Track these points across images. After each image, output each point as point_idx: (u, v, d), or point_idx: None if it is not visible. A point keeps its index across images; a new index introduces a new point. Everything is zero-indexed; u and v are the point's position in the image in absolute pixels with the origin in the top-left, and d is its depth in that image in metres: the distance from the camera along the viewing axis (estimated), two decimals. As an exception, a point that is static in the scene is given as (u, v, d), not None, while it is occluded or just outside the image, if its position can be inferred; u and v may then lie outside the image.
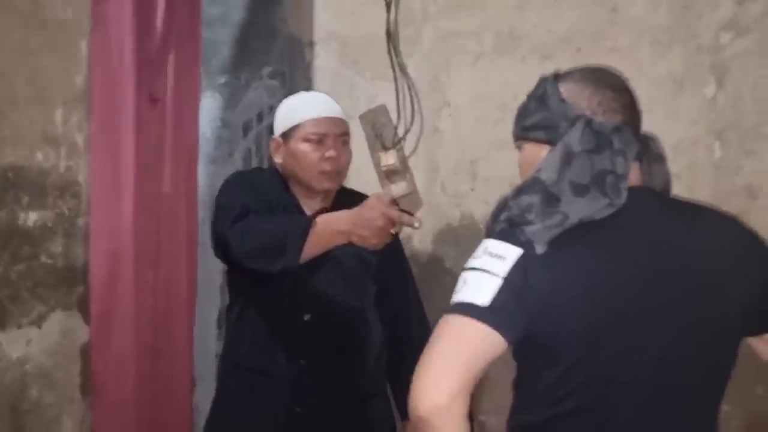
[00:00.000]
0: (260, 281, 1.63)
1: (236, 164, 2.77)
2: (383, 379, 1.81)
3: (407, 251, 1.95)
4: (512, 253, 0.99)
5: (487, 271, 0.99)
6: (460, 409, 0.97)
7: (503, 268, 0.98)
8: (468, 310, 0.98)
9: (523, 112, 1.14)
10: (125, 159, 1.84)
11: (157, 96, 1.92)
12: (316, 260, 1.63)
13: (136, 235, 1.85)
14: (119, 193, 1.85)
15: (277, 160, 1.74)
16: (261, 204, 1.66)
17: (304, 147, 1.67)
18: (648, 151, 1.08)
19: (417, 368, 1.00)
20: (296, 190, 1.74)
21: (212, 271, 2.32)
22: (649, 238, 1.03)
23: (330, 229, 1.51)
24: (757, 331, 1.08)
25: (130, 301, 1.84)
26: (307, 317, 1.67)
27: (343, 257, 1.68)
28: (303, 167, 1.68)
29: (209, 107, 2.51)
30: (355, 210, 1.51)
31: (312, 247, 1.52)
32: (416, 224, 1.48)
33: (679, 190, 1.29)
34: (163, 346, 1.98)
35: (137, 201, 1.86)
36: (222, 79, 2.75)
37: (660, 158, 1.10)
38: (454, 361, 0.98)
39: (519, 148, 1.15)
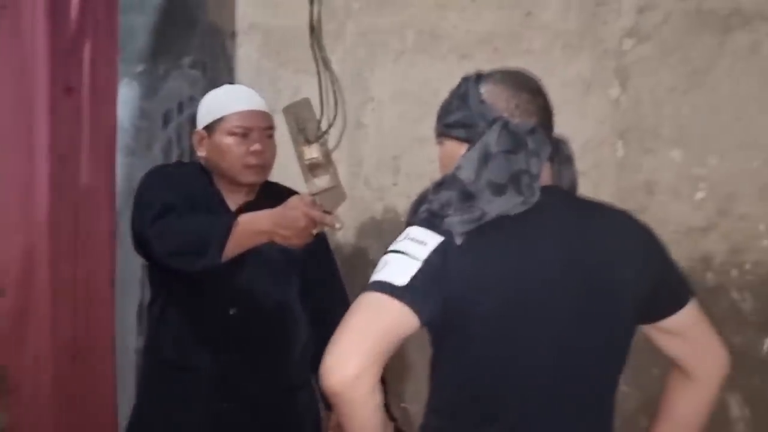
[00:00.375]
0: (183, 277, 1.62)
1: (155, 155, 2.71)
2: (308, 371, 1.84)
3: (331, 244, 1.98)
4: (433, 239, 1.04)
5: (408, 254, 1.03)
6: (368, 383, 1.01)
7: (424, 252, 1.03)
8: (385, 288, 1.02)
9: (445, 110, 1.20)
10: (39, 151, 1.78)
11: (73, 86, 1.86)
12: (241, 255, 1.65)
13: (51, 229, 1.80)
14: (33, 186, 1.79)
15: (201, 153, 1.72)
16: (182, 200, 1.64)
17: (229, 140, 1.66)
18: (558, 152, 1.16)
19: (331, 341, 1.03)
20: (220, 183, 1.74)
21: (131, 265, 2.27)
22: (555, 233, 1.10)
23: (252, 228, 1.52)
24: (650, 320, 1.17)
25: (47, 299, 1.78)
26: (232, 311, 1.67)
27: (268, 251, 1.69)
28: (228, 161, 1.67)
29: (126, 96, 2.44)
30: (277, 210, 1.52)
31: (234, 247, 1.52)
32: (338, 225, 1.50)
33: (585, 186, 1.38)
34: (83, 344, 1.92)
35: (52, 194, 1.81)
36: (139, 68, 2.67)
37: (569, 160, 1.18)
38: (366, 336, 1.02)
39: (440, 144, 1.21)
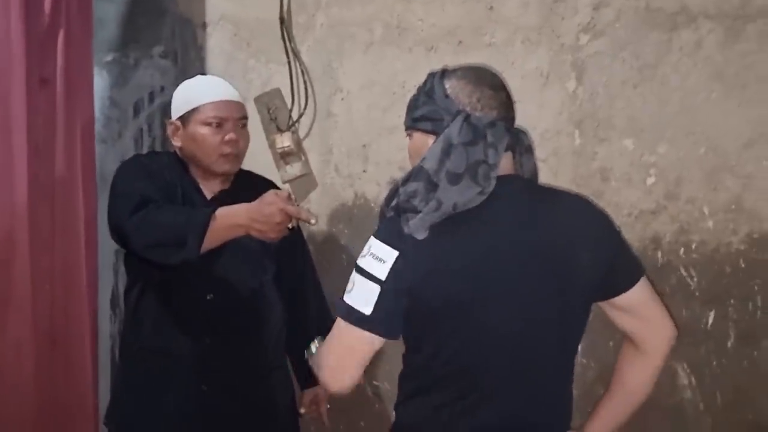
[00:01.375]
0: (161, 266, 1.64)
1: (126, 144, 2.72)
2: (283, 354, 1.89)
3: (303, 230, 2.02)
4: (391, 255, 1.13)
5: (371, 276, 1.14)
6: (357, 381, 1.22)
7: (383, 271, 1.13)
8: (354, 319, 1.15)
9: (413, 105, 1.26)
10: (17, 142, 1.80)
11: (48, 77, 1.88)
12: (220, 248, 1.66)
13: (30, 219, 1.82)
14: (11, 177, 1.81)
15: (176, 143, 1.74)
16: (159, 190, 1.66)
17: (204, 130, 1.69)
18: (520, 143, 1.23)
19: (320, 359, 1.21)
20: (196, 172, 1.76)
21: (103, 252, 2.29)
22: (516, 218, 1.18)
23: (229, 222, 1.55)
24: (604, 297, 1.26)
25: (27, 287, 1.81)
26: (210, 297, 1.71)
27: (244, 239, 1.73)
28: (202, 150, 1.70)
29: (96, 86, 2.44)
30: (254, 204, 1.55)
31: (211, 240, 1.56)
32: (313, 221, 1.55)
33: (545, 173, 1.46)
34: (62, 333, 1.96)
35: (31, 184, 1.83)
36: (109, 57, 2.67)
37: (529, 150, 1.25)
38: (348, 360, 1.19)
39: (409, 136, 1.27)
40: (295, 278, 1.91)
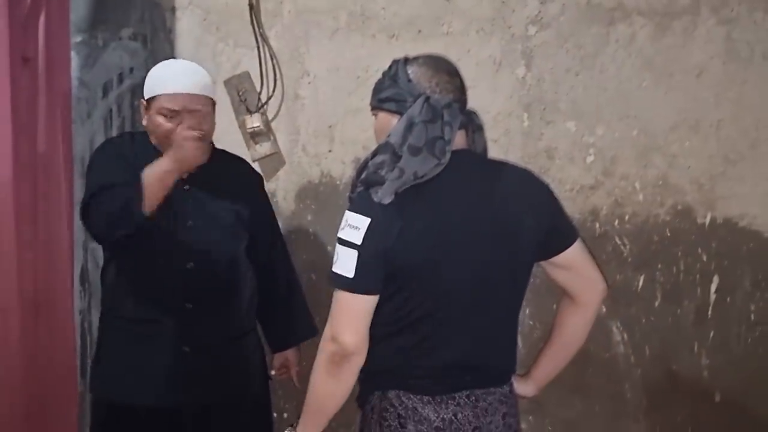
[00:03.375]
0: (139, 240, 1.71)
1: (95, 124, 2.76)
2: (254, 319, 1.98)
3: (273, 207, 2.13)
4: (363, 222, 1.26)
5: (349, 243, 1.26)
6: (366, 338, 1.30)
7: (359, 236, 1.26)
8: (342, 284, 1.27)
9: (378, 87, 1.39)
10: (1, 118, 1.85)
11: (29, 56, 1.94)
12: (194, 215, 1.78)
13: (14, 191, 1.88)
14: (-5, 152, 1.86)
15: (144, 122, 1.79)
16: (130, 175, 1.69)
17: (159, 119, 1.74)
18: (471, 122, 1.37)
19: (331, 325, 1.29)
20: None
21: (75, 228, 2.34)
22: (469, 187, 1.32)
23: (156, 173, 1.64)
24: (545, 256, 1.42)
25: (12, 256, 1.88)
26: (190, 265, 1.78)
27: (221, 212, 1.83)
28: (155, 137, 1.76)
29: (66, 66, 2.49)
30: (169, 151, 1.67)
31: (151, 196, 1.64)
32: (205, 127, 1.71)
33: (496, 151, 1.61)
34: (45, 299, 2.02)
35: (15, 159, 1.88)
36: (78, 38, 2.70)
37: (480, 128, 1.39)
38: (349, 321, 1.28)
39: (375, 115, 1.40)
40: (266, 248, 1.99)
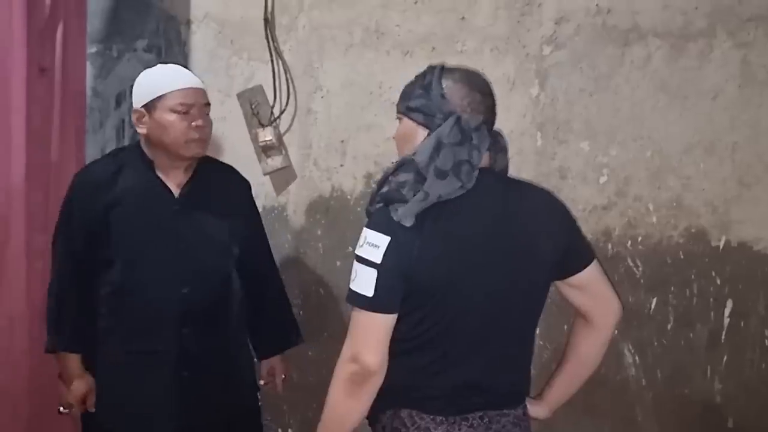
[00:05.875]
0: (131, 273, 1.73)
1: (108, 134, 2.78)
2: (245, 330, 1.96)
3: (282, 220, 2.12)
4: (383, 241, 1.24)
5: (368, 262, 1.25)
6: (386, 357, 1.28)
7: (378, 255, 1.24)
8: (360, 302, 1.25)
9: (408, 93, 1.35)
10: (15, 127, 1.86)
11: (46, 65, 1.95)
12: (191, 237, 1.75)
13: (27, 201, 1.89)
14: (9, 160, 1.87)
15: (141, 131, 1.76)
16: (116, 202, 1.73)
17: (172, 117, 1.72)
18: (497, 143, 1.36)
19: (350, 346, 1.28)
20: (160, 163, 1.78)
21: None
22: (487, 206, 1.31)
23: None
24: (561, 276, 1.41)
25: (22, 264, 1.87)
26: (185, 291, 1.76)
27: (214, 228, 1.80)
28: (171, 136, 1.72)
29: (80, 76, 2.50)
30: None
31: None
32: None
33: (510, 170, 1.60)
34: None
35: (28, 168, 1.89)
36: (93, 49, 2.72)
37: (504, 150, 1.38)
38: (367, 341, 1.27)
39: (399, 120, 1.37)
40: (255, 256, 1.98)
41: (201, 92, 1.78)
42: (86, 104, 2.20)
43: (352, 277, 1.29)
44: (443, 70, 1.33)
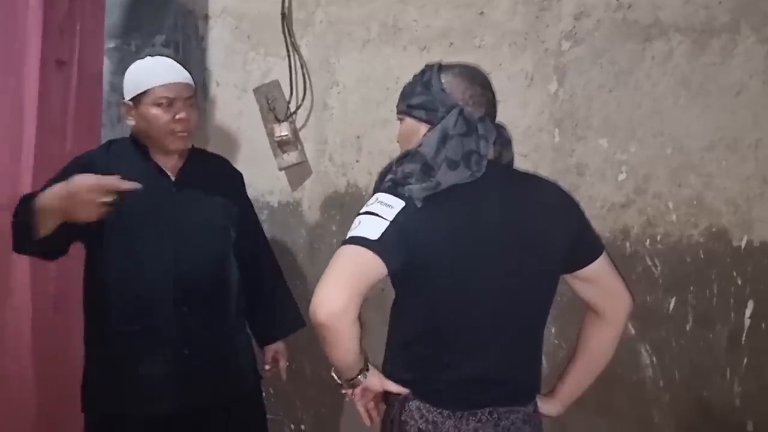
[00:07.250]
0: (129, 253, 1.73)
1: (124, 129, 2.79)
2: (243, 318, 1.99)
3: (297, 216, 2.13)
4: (398, 203, 1.22)
5: (378, 215, 1.20)
6: (351, 316, 1.18)
7: (391, 213, 1.20)
8: (360, 241, 1.19)
9: (408, 92, 1.36)
10: (27, 120, 1.88)
11: (64, 59, 1.97)
12: (188, 217, 1.78)
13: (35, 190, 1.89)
14: (19, 152, 1.89)
15: (129, 122, 1.82)
16: None
17: (155, 111, 1.77)
18: (500, 136, 1.36)
19: (318, 284, 1.19)
20: (154, 152, 1.83)
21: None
22: (497, 198, 1.31)
23: (46, 207, 1.61)
24: (570, 269, 1.40)
25: (29, 259, 1.88)
26: (184, 269, 1.80)
27: (210, 211, 1.84)
28: (155, 129, 1.78)
29: (99, 70, 2.52)
30: (62, 187, 1.60)
31: (44, 227, 1.63)
32: (129, 186, 1.59)
33: (526, 166, 1.59)
34: (61, 299, 2.05)
35: (37, 160, 1.91)
36: (111, 44, 2.75)
37: (508, 142, 1.38)
38: (346, 277, 1.17)
39: (401, 120, 1.38)
40: (250, 243, 2.02)
41: (184, 86, 1.82)
42: (103, 99, 2.20)
43: (353, 227, 1.22)
44: (441, 66, 1.34)
